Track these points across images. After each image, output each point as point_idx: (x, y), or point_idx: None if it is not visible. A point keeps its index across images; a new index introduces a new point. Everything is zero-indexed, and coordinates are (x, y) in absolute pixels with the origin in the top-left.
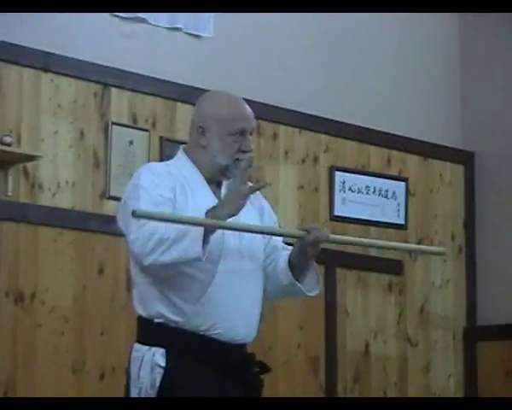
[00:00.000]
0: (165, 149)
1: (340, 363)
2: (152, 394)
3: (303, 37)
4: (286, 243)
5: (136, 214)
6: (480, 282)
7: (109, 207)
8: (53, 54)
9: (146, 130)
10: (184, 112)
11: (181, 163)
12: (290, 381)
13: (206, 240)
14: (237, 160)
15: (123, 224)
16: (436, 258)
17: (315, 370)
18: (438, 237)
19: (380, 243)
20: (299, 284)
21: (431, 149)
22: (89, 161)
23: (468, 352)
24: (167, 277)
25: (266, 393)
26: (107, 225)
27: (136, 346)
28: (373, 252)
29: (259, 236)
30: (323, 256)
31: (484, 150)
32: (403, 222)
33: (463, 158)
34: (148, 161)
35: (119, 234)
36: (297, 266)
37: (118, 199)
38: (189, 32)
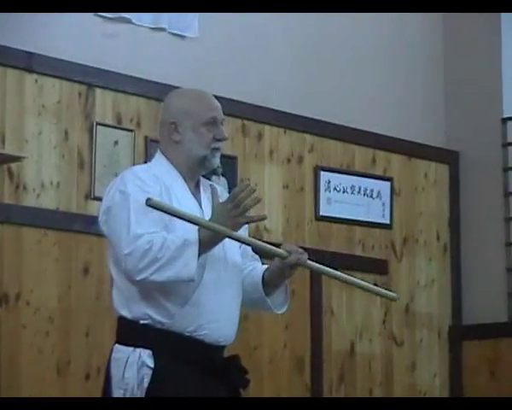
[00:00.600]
0: (150, 149)
1: (325, 363)
2: (138, 394)
3: (288, 37)
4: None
5: (149, 203)
6: (465, 281)
7: (94, 208)
8: (37, 54)
9: (130, 130)
10: None
11: (160, 165)
12: (276, 381)
13: (198, 259)
14: (214, 149)
15: (110, 231)
16: (421, 257)
17: (300, 369)
18: (423, 236)
19: (349, 279)
20: (268, 301)
21: (415, 149)
22: (73, 162)
23: (453, 351)
24: None
25: (252, 393)
26: (91, 226)
27: (118, 347)
28: (358, 252)
29: (237, 245)
30: (309, 256)
31: (468, 150)
32: (388, 222)
33: (448, 157)
34: (133, 162)
35: (104, 235)
36: (270, 284)
37: (102, 200)
38: (173, 32)
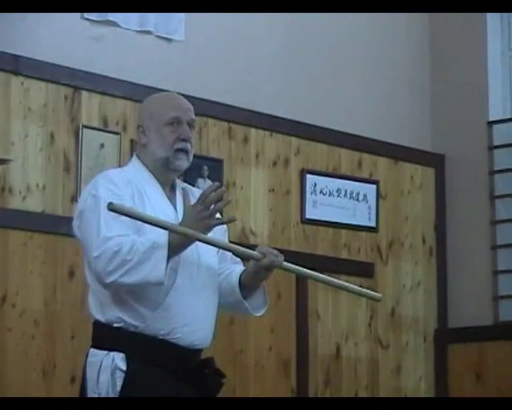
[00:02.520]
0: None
1: (311, 366)
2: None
3: (273, 40)
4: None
5: (111, 207)
6: (450, 284)
7: None
8: (23, 57)
9: (117, 133)
10: None
11: (135, 168)
12: (261, 384)
13: (168, 260)
14: (177, 150)
15: (83, 235)
16: (407, 260)
17: (286, 372)
18: (408, 239)
19: (327, 279)
20: (246, 304)
21: (401, 152)
22: (59, 165)
23: (438, 354)
24: None
25: (237, 396)
26: None
27: (93, 351)
28: (344, 255)
29: (219, 238)
30: (294, 259)
31: (454, 153)
32: (374, 225)
33: (434, 161)
34: (119, 164)
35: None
36: (247, 286)
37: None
38: (159, 35)
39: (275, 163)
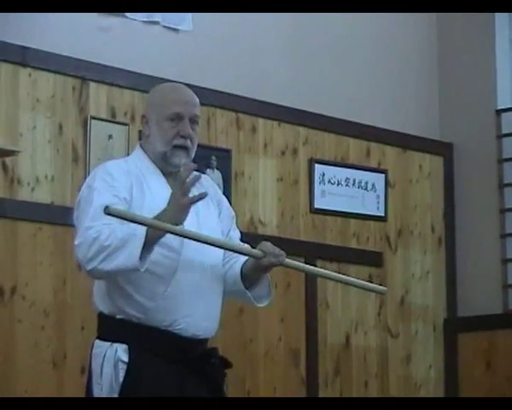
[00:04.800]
0: None
1: (320, 355)
2: (116, 389)
3: (281, 30)
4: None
5: (107, 211)
6: (459, 273)
7: None
8: (31, 48)
9: (125, 124)
10: None
11: (137, 158)
12: (271, 373)
13: (148, 249)
14: (176, 146)
15: (76, 225)
16: (416, 249)
17: (296, 362)
18: (417, 228)
19: (331, 274)
20: (248, 294)
21: (410, 141)
22: (68, 156)
23: (448, 343)
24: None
25: (247, 385)
26: None
27: (98, 342)
28: (353, 244)
29: (218, 230)
30: (303, 249)
31: (463, 141)
32: (382, 214)
33: (442, 149)
34: (128, 155)
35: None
36: (249, 277)
37: None
38: (166, 25)
39: (283, 153)
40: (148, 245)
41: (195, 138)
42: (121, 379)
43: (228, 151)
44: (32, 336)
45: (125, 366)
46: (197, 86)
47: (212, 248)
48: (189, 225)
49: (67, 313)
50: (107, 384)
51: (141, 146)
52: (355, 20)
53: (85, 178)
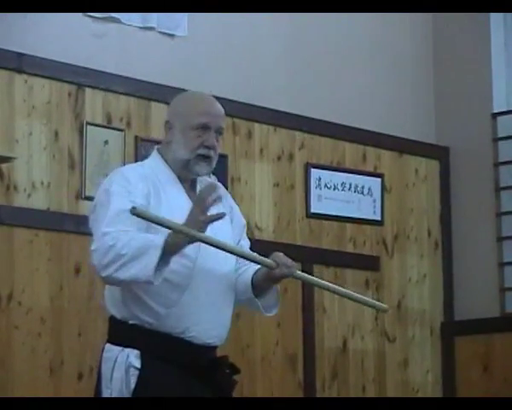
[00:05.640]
0: (140, 149)
1: (318, 360)
2: (125, 394)
3: (277, 35)
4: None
5: (134, 211)
6: (456, 277)
7: (85, 208)
8: (26, 55)
9: (121, 129)
10: (159, 111)
11: (154, 163)
12: (268, 378)
13: (166, 261)
14: (199, 155)
15: (92, 229)
16: (413, 253)
17: (293, 367)
18: (414, 232)
19: (341, 290)
20: (258, 302)
21: (406, 145)
22: (64, 162)
23: (445, 347)
24: None
25: (245, 391)
26: (82, 226)
27: (108, 346)
28: (349, 248)
29: (231, 238)
30: (300, 253)
31: (458, 145)
32: (379, 218)
33: (438, 153)
34: (124, 161)
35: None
36: (259, 287)
37: (93, 199)
38: (162, 31)
39: (279, 158)
40: (165, 257)
41: (218, 149)
42: (132, 385)
43: (224, 156)
44: (28, 343)
45: (136, 372)
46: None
47: (226, 256)
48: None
49: (64, 320)
50: (116, 389)
51: (158, 151)
52: (351, 25)
53: (82, 183)
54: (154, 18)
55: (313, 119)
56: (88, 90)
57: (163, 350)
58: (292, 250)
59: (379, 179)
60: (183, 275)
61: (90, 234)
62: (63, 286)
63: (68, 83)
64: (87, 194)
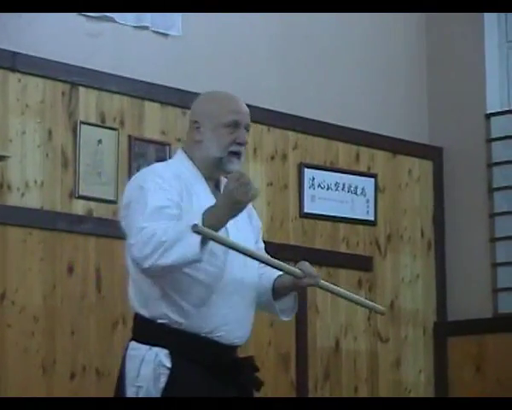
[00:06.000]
0: (134, 148)
1: (310, 360)
2: (153, 393)
3: (271, 34)
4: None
5: (195, 229)
6: (449, 277)
7: (78, 207)
8: (20, 54)
9: (114, 129)
10: (152, 110)
11: (181, 163)
12: (261, 378)
13: (205, 241)
14: (231, 152)
15: (127, 226)
16: (406, 254)
17: (286, 367)
18: (407, 232)
19: (354, 297)
20: (276, 306)
21: (399, 145)
22: (57, 161)
23: (438, 347)
24: (173, 279)
25: None
26: (76, 225)
27: (134, 344)
28: (342, 249)
29: (253, 240)
30: (293, 253)
31: (452, 146)
32: (372, 218)
33: (432, 154)
34: (117, 160)
35: (88, 233)
36: (279, 292)
37: (86, 198)
38: (156, 30)
39: (272, 157)
40: (203, 239)
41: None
42: (162, 384)
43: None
44: (21, 342)
45: (166, 371)
46: (186, 91)
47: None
48: (233, 235)
49: (57, 319)
50: (144, 387)
51: (183, 151)
52: (345, 25)
53: (75, 182)
54: (148, 17)
55: (307, 119)
56: (82, 90)
57: (190, 350)
58: (285, 250)
59: (372, 179)
60: (213, 274)
61: (84, 233)
62: (56, 285)
63: (62, 82)
64: (80, 193)
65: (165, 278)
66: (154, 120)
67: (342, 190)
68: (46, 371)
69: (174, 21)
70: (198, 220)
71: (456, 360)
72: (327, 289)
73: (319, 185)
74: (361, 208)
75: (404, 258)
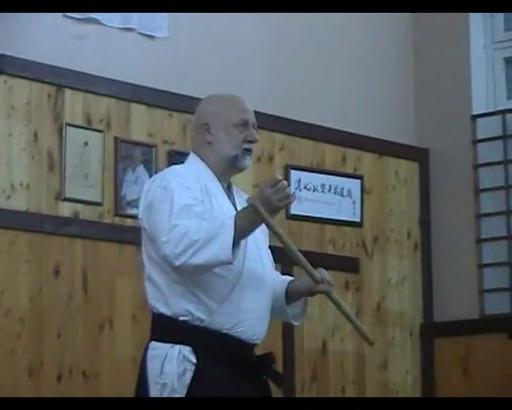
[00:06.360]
0: (120, 150)
1: (297, 361)
2: (178, 388)
3: (257, 36)
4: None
5: (253, 206)
6: (436, 278)
7: (64, 209)
8: (6, 56)
9: (100, 131)
10: (139, 112)
11: (195, 166)
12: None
13: (237, 244)
14: (244, 149)
15: (151, 225)
16: (392, 255)
17: None
18: (393, 234)
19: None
20: (288, 310)
21: (386, 147)
22: (43, 163)
23: (425, 348)
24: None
25: None
26: (62, 227)
27: (155, 344)
28: (329, 250)
29: (267, 244)
30: (279, 255)
31: (438, 147)
32: (359, 220)
33: (418, 155)
34: (103, 162)
35: (75, 235)
36: (292, 297)
37: (73, 200)
38: (142, 32)
39: (259, 159)
40: (236, 239)
41: None
42: (188, 380)
43: None
44: (8, 344)
45: (192, 367)
46: (173, 93)
47: (266, 258)
48: (250, 240)
49: (44, 321)
50: (169, 384)
51: (195, 153)
52: (331, 28)
53: (61, 185)
54: (134, 19)
55: (293, 120)
56: (68, 92)
57: (213, 346)
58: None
59: (359, 181)
60: (235, 271)
61: (70, 235)
62: (42, 287)
63: (48, 84)
64: (67, 195)
65: (191, 276)
66: (141, 121)
67: (329, 191)
68: (33, 373)
69: (160, 23)
70: (230, 218)
71: (442, 362)
72: (334, 302)
73: (306, 187)
74: (347, 210)
75: (390, 259)
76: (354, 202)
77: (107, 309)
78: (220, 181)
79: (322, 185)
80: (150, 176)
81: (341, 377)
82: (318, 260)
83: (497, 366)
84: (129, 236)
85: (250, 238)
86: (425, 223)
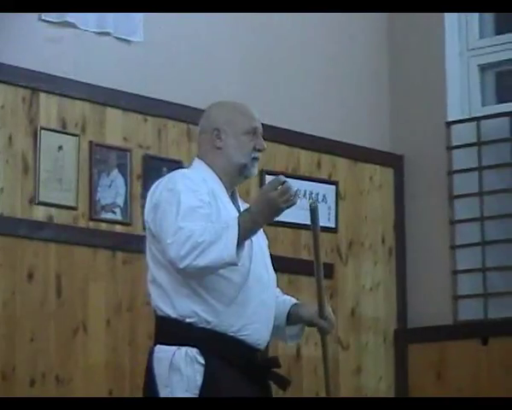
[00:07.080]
0: (95, 154)
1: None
2: (192, 389)
3: (234, 41)
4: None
5: (313, 206)
6: (410, 284)
7: (38, 213)
8: None
9: (75, 135)
10: (114, 116)
11: (201, 170)
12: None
13: (241, 245)
14: (254, 158)
15: (157, 227)
16: (367, 261)
17: None
18: (368, 240)
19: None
20: (286, 331)
21: (360, 153)
22: (17, 167)
23: (398, 354)
24: (205, 277)
25: None
26: (36, 231)
27: (161, 347)
28: (304, 256)
29: (266, 251)
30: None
31: (413, 153)
32: (333, 225)
33: (392, 161)
34: (78, 166)
35: (49, 239)
36: (291, 320)
37: (47, 204)
38: (118, 36)
39: None
40: (240, 240)
41: None
42: (199, 381)
43: (179, 162)
44: None
45: (200, 368)
46: (148, 97)
47: (270, 264)
48: (256, 244)
49: (17, 326)
50: (178, 386)
51: (201, 159)
52: (307, 33)
53: (35, 189)
54: (109, 23)
55: (268, 126)
56: (42, 95)
57: (219, 349)
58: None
59: (333, 187)
60: (241, 273)
61: (44, 239)
62: (16, 292)
63: (23, 87)
64: (41, 199)
65: (198, 278)
66: (116, 126)
67: (303, 197)
68: (6, 378)
69: (136, 27)
70: (233, 222)
71: (416, 367)
72: (324, 343)
73: None
74: (322, 215)
75: (365, 265)
76: (329, 208)
77: (80, 314)
78: (226, 188)
79: (297, 191)
80: (125, 180)
81: (315, 382)
82: (293, 265)
83: (470, 372)
84: (103, 240)
85: (256, 245)
86: (399, 229)
